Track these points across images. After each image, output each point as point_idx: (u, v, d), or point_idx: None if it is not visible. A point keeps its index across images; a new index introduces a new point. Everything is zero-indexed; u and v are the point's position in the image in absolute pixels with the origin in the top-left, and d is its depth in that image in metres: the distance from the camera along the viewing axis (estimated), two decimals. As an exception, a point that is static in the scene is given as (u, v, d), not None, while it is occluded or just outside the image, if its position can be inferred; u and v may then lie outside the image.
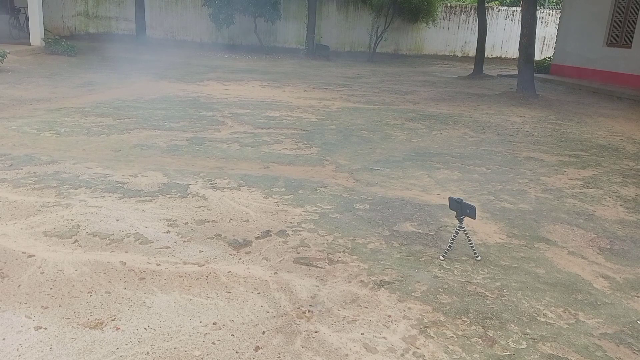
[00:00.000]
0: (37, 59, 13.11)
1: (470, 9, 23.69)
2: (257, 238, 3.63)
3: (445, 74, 16.76)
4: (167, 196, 4.34)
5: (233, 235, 3.64)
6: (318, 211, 4.19)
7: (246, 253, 3.40)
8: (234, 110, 8.28)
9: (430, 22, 21.69)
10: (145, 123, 7.01)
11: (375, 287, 3.05)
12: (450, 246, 3.49)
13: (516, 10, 23.62)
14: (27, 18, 15.23)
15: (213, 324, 2.60)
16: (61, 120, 6.95)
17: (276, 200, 4.37)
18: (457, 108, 9.85)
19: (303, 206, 4.27)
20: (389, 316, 2.76)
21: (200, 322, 2.61)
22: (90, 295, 2.79)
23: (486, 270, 3.35)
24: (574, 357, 2.52)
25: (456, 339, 2.60)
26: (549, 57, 17.80)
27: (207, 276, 3.06)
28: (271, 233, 3.72)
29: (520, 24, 12.36)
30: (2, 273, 2.97)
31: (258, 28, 19.30)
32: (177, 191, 4.47)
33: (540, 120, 9.05)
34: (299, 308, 2.78)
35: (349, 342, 2.52)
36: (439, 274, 3.26)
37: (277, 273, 3.15)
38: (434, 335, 2.62)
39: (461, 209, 3.38)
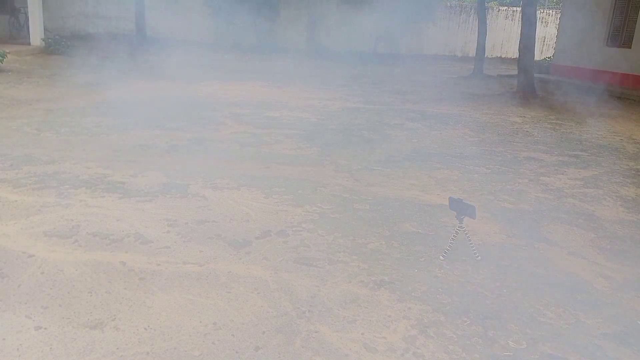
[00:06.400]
0: (37, 59, 13.11)
1: (470, 9, 23.66)
2: (257, 238, 3.63)
3: (445, 74, 16.75)
4: (167, 196, 4.34)
5: (233, 235, 3.64)
6: (318, 211, 4.18)
7: (246, 253, 3.40)
8: (234, 110, 8.27)
9: (430, 22, 21.65)
10: (145, 123, 7.01)
11: (375, 287, 3.05)
12: (450, 246, 3.49)
13: (516, 10, 23.60)
14: (27, 18, 15.22)
15: (213, 324, 2.61)
16: (61, 120, 6.95)
17: (276, 200, 4.37)
18: (457, 108, 9.85)
19: (303, 206, 4.27)
20: (389, 316, 2.76)
21: (200, 322, 2.61)
22: (90, 295, 2.79)
23: (486, 270, 3.35)
24: (574, 357, 2.52)
25: (456, 339, 2.60)
26: (549, 57, 17.81)
27: (207, 276, 3.06)
28: (271, 233, 3.72)
29: (520, 24, 12.35)
30: (2, 273, 2.97)
31: (258, 28, 19.30)
32: (177, 191, 4.47)
33: (540, 120, 9.04)
34: (298, 308, 2.78)
35: (349, 342, 2.52)
36: (439, 274, 3.26)
37: (277, 273, 3.15)
38: (434, 335, 2.62)
39: (461, 209, 3.38)
